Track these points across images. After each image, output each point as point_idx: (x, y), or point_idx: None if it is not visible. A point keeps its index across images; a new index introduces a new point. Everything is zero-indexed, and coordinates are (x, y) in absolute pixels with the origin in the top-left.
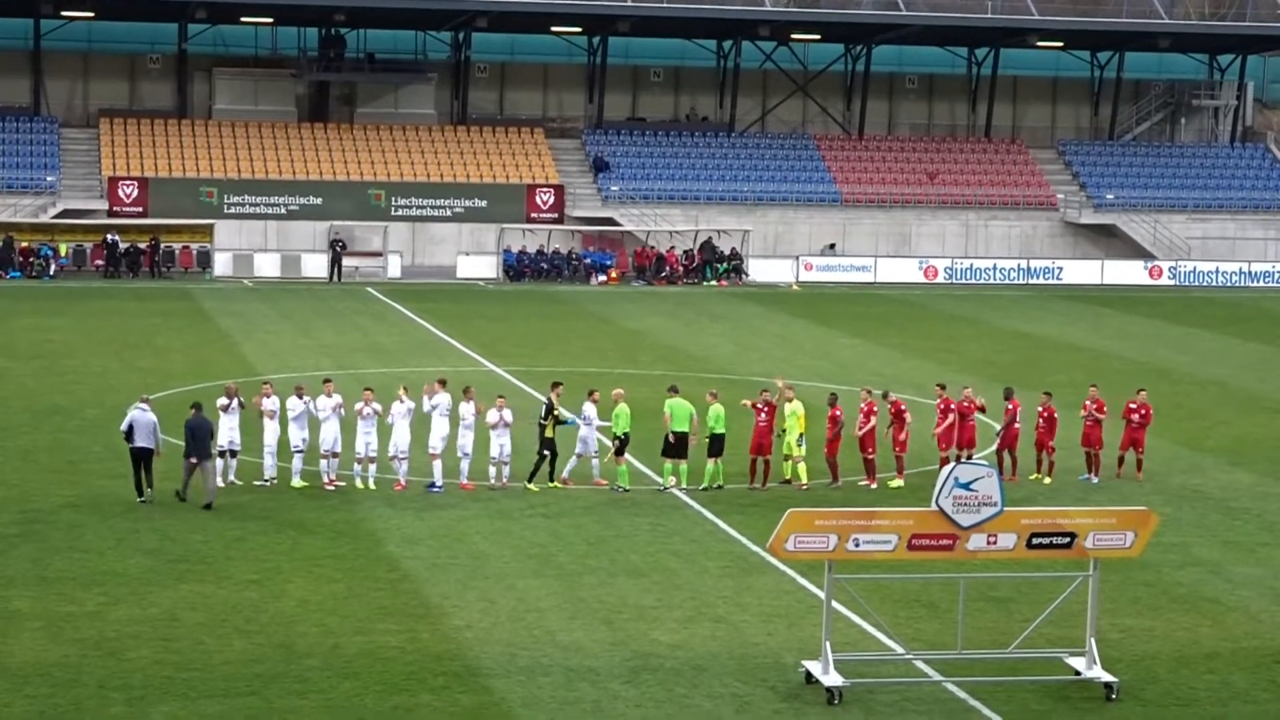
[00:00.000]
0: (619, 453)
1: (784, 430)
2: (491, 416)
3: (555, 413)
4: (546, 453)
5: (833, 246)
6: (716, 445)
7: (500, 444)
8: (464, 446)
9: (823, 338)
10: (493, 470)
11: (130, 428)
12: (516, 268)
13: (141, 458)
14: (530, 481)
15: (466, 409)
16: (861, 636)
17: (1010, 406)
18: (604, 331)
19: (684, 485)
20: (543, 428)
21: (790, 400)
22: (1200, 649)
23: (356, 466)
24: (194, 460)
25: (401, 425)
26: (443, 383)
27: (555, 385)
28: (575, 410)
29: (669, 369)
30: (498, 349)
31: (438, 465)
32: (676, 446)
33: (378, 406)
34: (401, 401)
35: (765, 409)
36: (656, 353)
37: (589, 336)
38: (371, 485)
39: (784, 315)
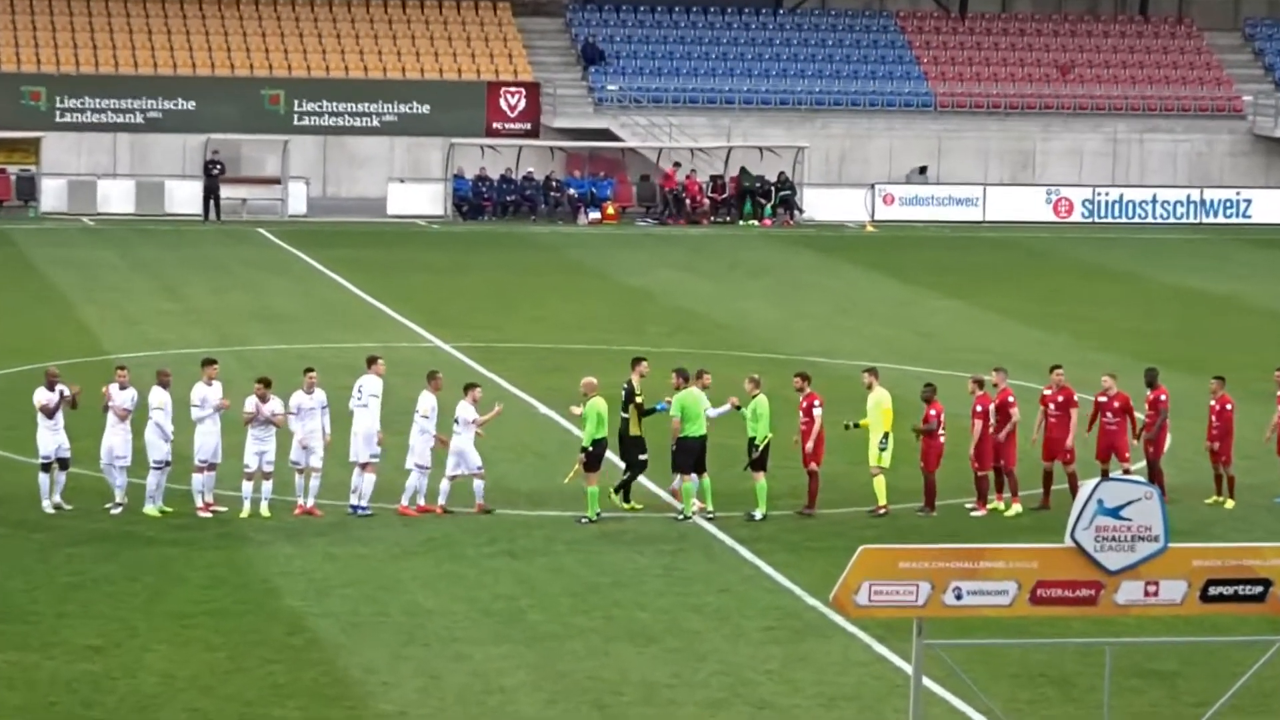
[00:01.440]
0: (589, 467)
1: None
2: (464, 411)
3: (637, 400)
4: (643, 458)
5: (923, 170)
6: (759, 455)
7: (460, 451)
8: (419, 455)
9: (905, 299)
10: (446, 485)
11: None
12: (472, 201)
13: None
14: (617, 493)
15: (427, 402)
16: None
17: (1156, 397)
18: (597, 291)
19: (710, 509)
20: (625, 422)
21: (871, 389)
22: None
23: (245, 485)
24: None
25: (309, 426)
26: (373, 361)
27: (637, 362)
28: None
29: (688, 345)
30: (445, 317)
31: (359, 478)
32: (694, 457)
33: (278, 406)
34: (310, 393)
35: (807, 401)
36: (672, 321)
37: (576, 298)
38: (264, 511)
39: (851, 268)
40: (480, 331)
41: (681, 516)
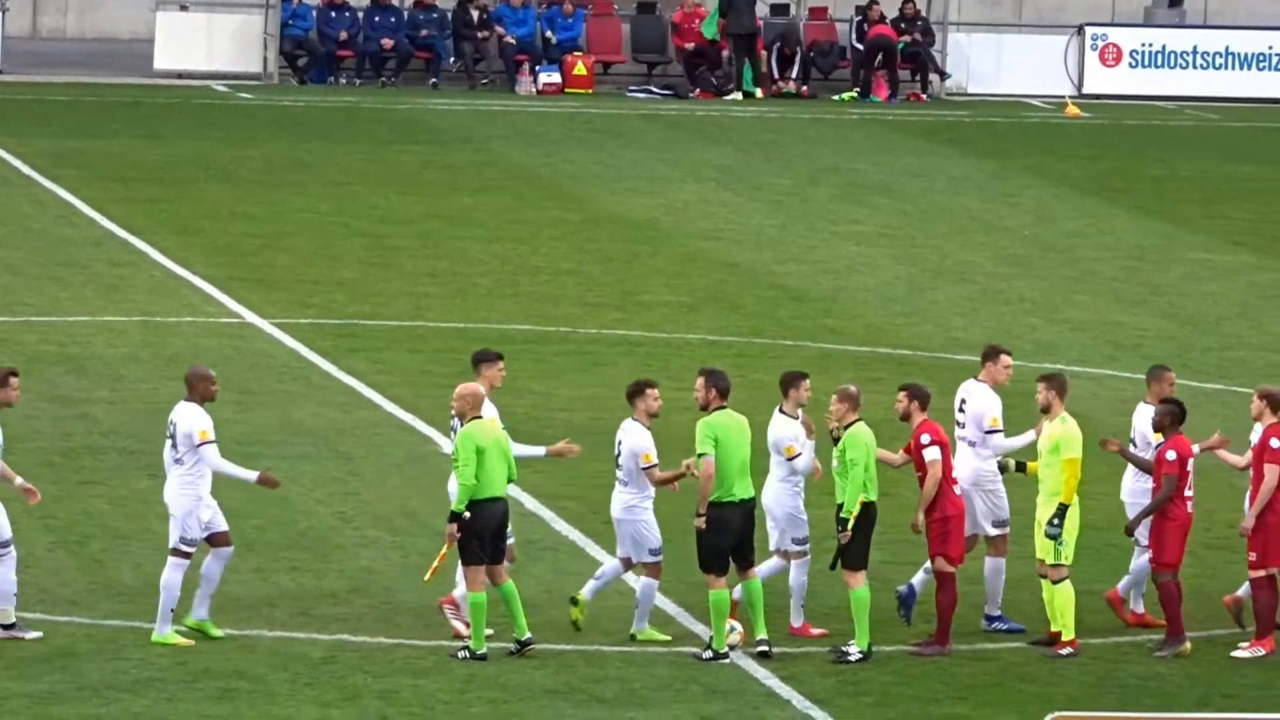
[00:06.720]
0: (465, 552)
1: None
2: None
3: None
4: None
5: (1176, 0)
6: (859, 540)
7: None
8: None
9: (1145, 251)
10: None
11: None
12: (318, 47)
13: None
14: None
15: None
16: None
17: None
18: (556, 224)
19: (764, 638)
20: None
21: (1050, 412)
22: None
23: None
24: None
25: None
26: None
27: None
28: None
29: (726, 326)
30: (265, 269)
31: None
32: (733, 540)
33: None
34: None
35: (925, 437)
36: (700, 279)
37: (514, 236)
38: None
39: (1041, 189)
40: (332, 298)
41: (709, 653)
